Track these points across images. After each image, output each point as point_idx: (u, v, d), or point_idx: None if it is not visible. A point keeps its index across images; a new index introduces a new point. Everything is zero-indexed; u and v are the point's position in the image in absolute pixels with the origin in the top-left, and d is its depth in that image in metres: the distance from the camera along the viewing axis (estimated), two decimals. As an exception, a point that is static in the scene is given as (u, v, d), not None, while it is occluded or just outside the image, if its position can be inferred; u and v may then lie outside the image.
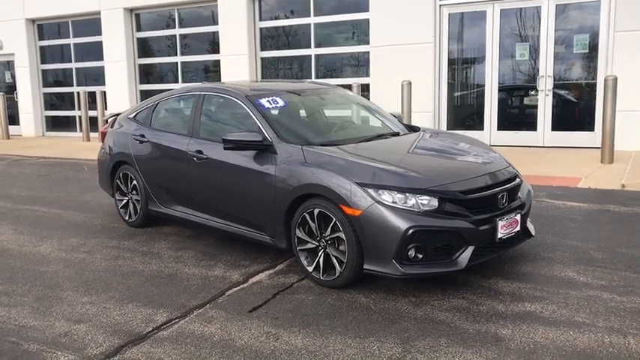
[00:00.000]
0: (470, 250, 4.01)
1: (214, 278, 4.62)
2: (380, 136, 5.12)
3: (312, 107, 5.58)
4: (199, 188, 5.28)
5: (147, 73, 14.96)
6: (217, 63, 13.51)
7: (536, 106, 10.59)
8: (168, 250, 5.39)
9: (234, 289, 4.38)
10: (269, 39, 13.14)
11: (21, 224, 6.52)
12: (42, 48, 16.55)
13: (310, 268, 4.38)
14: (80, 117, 15.13)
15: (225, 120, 5.37)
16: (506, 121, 10.90)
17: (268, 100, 5.07)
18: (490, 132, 10.96)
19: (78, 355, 3.43)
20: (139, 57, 14.89)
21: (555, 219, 5.94)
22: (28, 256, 5.36)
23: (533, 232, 4.66)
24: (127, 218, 6.24)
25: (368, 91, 11.81)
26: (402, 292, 4.16)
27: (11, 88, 17.00)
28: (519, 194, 4.52)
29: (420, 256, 3.94)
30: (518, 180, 4.54)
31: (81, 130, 15.10)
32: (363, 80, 11.82)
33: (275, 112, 5.04)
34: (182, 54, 14.32)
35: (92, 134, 14.34)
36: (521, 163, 8.85)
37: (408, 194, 3.98)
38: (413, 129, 5.58)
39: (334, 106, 5.78)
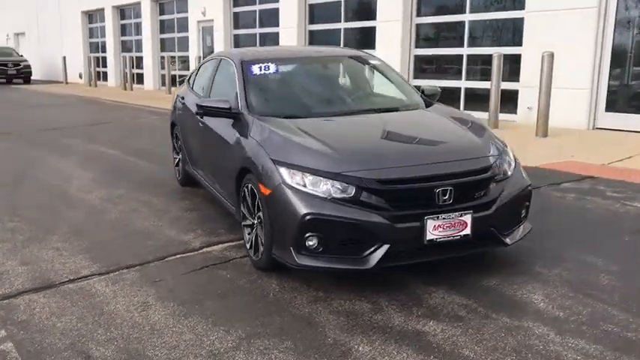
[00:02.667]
0: (383, 249, 3.43)
1: (178, 242, 4.66)
2: (364, 112, 4.56)
3: (314, 76, 5.19)
4: (200, 150, 5.34)
5: (314, 41, 15.28)
6: (373, 30, 13.24)
7: None
8: (179, 210, 5.56)
9: (179, 256, 4.37)
10: (426, 4, 12.44)
11: (104, 173, 7.28)
12: (235, 14, 17.93)
13: (248, 245, 4.17)
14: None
15: (226, 85, 5.28)
16: (682, 105, 8.88)
17: (260, 67, 4.86)
18: (657, 116, 9.03)
19: (-14, 292, 3.79)
20: (310, 24, 15.27)
21: (626, 228, 4.75)
22: (73, 201, 5.99)
23: (509, 240, 3.77)
24: (177, 176, 6.58)
25: (517, 62, 10.55)
26: (318, 286, 3.73)
27: (211, 51, 18.78)
28: (485, 192, 3.67)
29: (321, 248, 3.49)
30: (484, 175, 3.68)
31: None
32: (514, 50, 10.58)
33: (262, 79, 4.82)
34: (345, 20, 14.30)
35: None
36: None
37: (321, 178, 3.53)
38: (428, 105, 4.87)
39: (346, 76, 5.31)
